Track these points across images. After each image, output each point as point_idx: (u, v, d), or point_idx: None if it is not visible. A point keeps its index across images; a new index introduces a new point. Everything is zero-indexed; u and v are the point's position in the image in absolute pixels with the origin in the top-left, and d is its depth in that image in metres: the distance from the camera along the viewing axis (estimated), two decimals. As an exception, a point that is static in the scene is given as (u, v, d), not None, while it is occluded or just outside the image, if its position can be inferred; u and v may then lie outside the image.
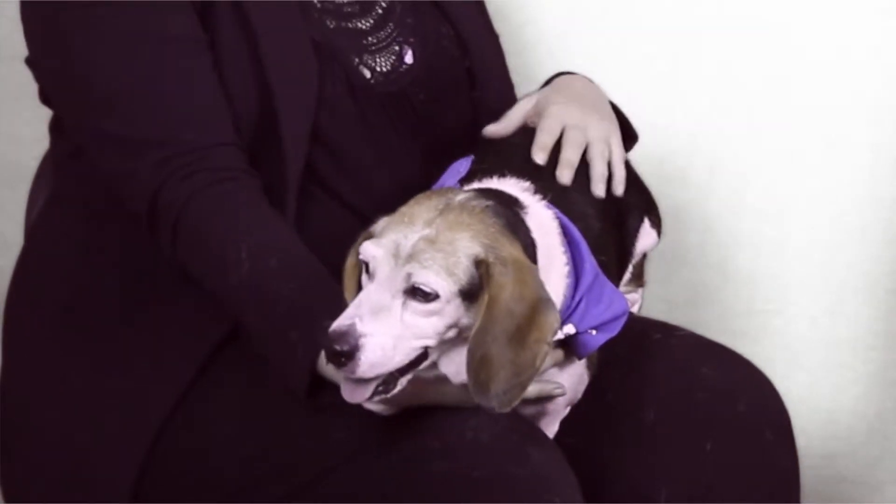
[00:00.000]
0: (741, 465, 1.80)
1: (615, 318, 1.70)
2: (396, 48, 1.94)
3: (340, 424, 1.71)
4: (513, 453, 1.65)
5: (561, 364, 1.71)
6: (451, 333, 1.60)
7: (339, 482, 1.70)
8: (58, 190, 1.97)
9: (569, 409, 1.78)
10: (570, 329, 1.67)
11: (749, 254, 2.79)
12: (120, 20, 1.78)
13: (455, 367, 1.63)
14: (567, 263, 1.69)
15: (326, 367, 1.68)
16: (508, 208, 1.66)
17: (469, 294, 1.58)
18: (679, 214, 2.68)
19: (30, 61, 1.91)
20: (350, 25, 1.92)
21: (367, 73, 1.91)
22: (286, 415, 1.75)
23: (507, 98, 2.08)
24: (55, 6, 1.79)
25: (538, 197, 1.73)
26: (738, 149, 2.76)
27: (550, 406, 1.75)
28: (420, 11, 1.97)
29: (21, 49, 1.89)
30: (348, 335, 1.54)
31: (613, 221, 1.87)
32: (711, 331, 1.98)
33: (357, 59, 1.90)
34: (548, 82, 2.01)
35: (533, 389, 1.67)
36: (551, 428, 1.77)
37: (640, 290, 2.01)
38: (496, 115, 2.01)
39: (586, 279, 1.68)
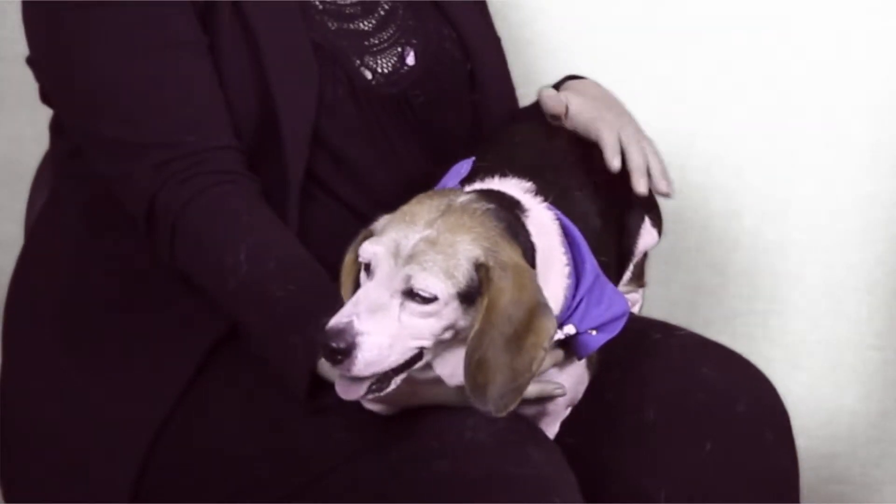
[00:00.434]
0: (741, 465, 1.80)
1: (615, 319, 1.70)
2: (398, 50, 1.94)
3: (340, 425, 1.71)
4: (512, 453, 1.65)
5: (561, 364, 1.71)
6: (448, 335, 1.60)
7: (339, 482, 1.70)
8: (58, 190, 1.97)
9: (569, 409, 1.78)
10: (570, 329, 1.67)
11: (749, 254, 2.79)
12: (120, 22, 1.78)
13: (450, 368, 1.63)
14: (567, 264, 1.69)
15: (326, 369, 1.67)
16: (509, 211, 1.66)
17: (467, 297, 1.58)
18: (679, 214, 2.68)
19: (31, 61, 1.91)
20: (352, 27, 1.92)
21: (369, 75, 1.91)
22: (286, 415, 1.75)
23: (508, 100, 2.08)
24: (56, 7, 1.79)
25: (539, 198, 1.73)
26: (738, 149, 2.76)
27: (550, 406, 1.75)
28: (422, 13, 1.97)
29: (21, 49, 1.89)
30: (345, 333, 1.54)
31: (614, 220, 1.87)
32: (711, 331, 1.98)
33: (358, 61, 1.90)
34: (556, 87, 2.01)
35: (533, 390, 1.67)
36: (551, 428, 1.77)
37: (640, 290, 2.01)
38: (497, 117, 2.01)
39: (587, 280, 1.68)
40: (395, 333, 1.56)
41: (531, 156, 1.85)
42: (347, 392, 1.59)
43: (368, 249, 1.58)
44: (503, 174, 1.76)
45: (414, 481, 1.65)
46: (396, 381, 1.59)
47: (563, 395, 1.71)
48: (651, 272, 2.03)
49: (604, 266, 1.73)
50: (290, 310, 1.70)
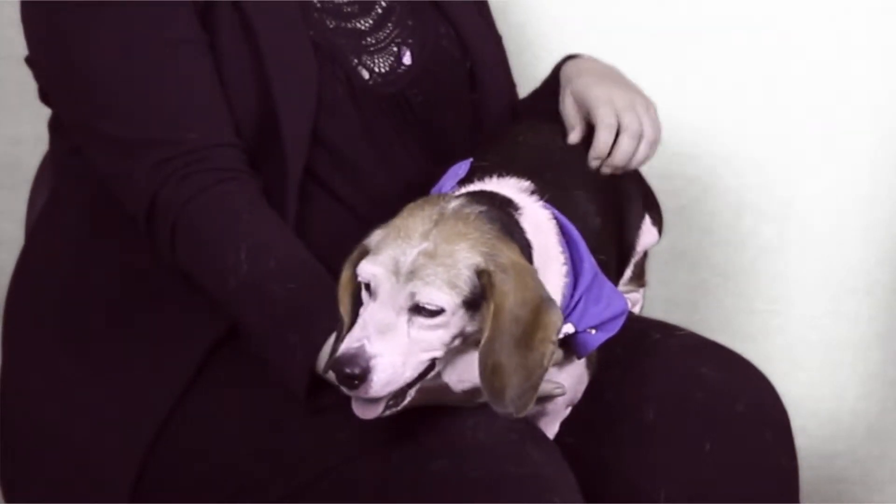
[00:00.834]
0: (740, 465, 1.80)
1: (614, 318, 1.70)
2: (394, 49, 1.94)
3: (340, 424, 1.71)
4: (512, 453, 1.65)
5: (560, 364, 1.71)
6: (457, 342, 1.60)
7: (339, 482, 1.70)
8: (58, 189, 1.97)
9: (569, 409, 1.78)
10: (569, 328, 1.67)
11: (749, 254, 2.79)
12: (120, 21, 1.78)
13: (457, 374, 1.64)
14: (565, 263, 1.69)
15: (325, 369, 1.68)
16: (502, 211, 1.65)
17: (472, 303, 1.58)
18: (679, 214, 2.68)
19: (30, 60, 1.91)
20: (349, 25, 1.92)
21: (366, 74, 1.91)
22: (286, 414, 1.75)
23: (509, 99, 2.08)
24: (55, 6, 1.79)
25: (535, 197, 1.73)
26: (739, 149, 2.76)
27: (550, 406, 1.75)
28: (420, 12, 1.97)
29: (21, 49, 1.89)
30: (358, 357, 1.55)
31: (614, 219, 1.87)
32: (711, 331, 1.98)
33: (356, 60, 1.90)
34: (556, 70, 2.01)
35: (533, 390, 1.68)
36: (551, 428, 1.77)
37: (640, 289, 2.01)
38: (497, 116, 2.01)
39: (585, 278, 1.68)
40: (406, 350, 1.57)
41: (532, 155, 1.85)
42: (365, 412, 1.59)
43: (367, 270, 1.58)
44: (501, 174, 1.76)
45: (414, 481, 1.65)
46: (411, 394, 1.60)
47: (562, 394, 1.71)
48: (651, 272, 2.03)
49: (603, 265, 1.73)
50: (290, 309, 1.70)
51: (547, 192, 1.74)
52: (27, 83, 1.94)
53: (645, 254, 1.98)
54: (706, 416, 1.80)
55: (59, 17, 1.80)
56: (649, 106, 1.93)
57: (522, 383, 1.58)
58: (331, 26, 1.90)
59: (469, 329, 1.60)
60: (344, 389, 1.57)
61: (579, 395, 1.76)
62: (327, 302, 1.69)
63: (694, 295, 2.81)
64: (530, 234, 1.66)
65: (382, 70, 1.92)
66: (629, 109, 1.89)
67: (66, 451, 1.85)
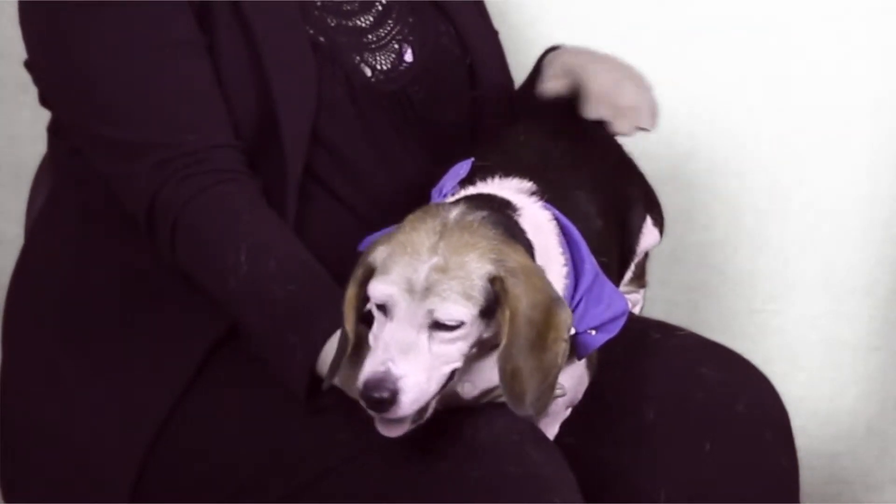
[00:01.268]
0: (741, 465, 1.80)
1: (615, 318, 1.70)
2: (396, 46, 1.94)
3: (340, 424, 1.71)
4: (512, 453, 1.65)
5: (560, 365, 1.71)
6: (474, 350, 1.61)
7: (339, 482, 1.70)
8: (57, 190, 1.97)
9: (569, 410, 1.78)
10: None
11: (749, 254, 2.80)
12: (118, 22, 1.78)
13: (469, 381, 1.64)
14: (566, 264, 1.69)
15: (325, 368, 1.68)
16: (502, 213, 1.66)
17: (487, 311, 1.59)
18: (679, 214, 2.68)
19: (29, 64, 1.91)
20: (350, 23, 1.92)
21: (368, 72, 1.91)
22: (286, 414, 1.75)
23: (508, 97, 2.08)
24: (54, 7, 1.79)
25: (535, 198, 1.73)
26: (739, 149, 2.76)
27: (550, 407, 1.75)
28: (419, 9, 1.97)
29: (21, 49, 1.89)
30: (386, 381, 1.55)
31: (616, 220, 1.87)
32: (711, 331, 1.98)
33: (358, 58, 1.90)
34: (540, 60, 2.01)
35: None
36: (551, 429, 1.77)
37: (641, 290, 2.01)
38: (496, 115, 2.01)
39: (586, 279, 1.68)
40: (430, 366, 1.57)
41: (534, 155, 1.85)
42: (391, 431, 1.59)
43: (381, 290, 1.58)
44: (503, 175, 1.76)
45: (414, 481, 1.65)
46: (432, 406, 1.60)
47: (562, 395, 1.71)
48: (651, 272, 2.03)
49: (605, 266, 1.73)
50: (290, 310, 1.70)
51: (548, 192, 1.74)
52: (27, 83, 1.94)
53: (646, 255, 1.98)
54: (706, 416, 1.80)
55: (57, 19, 1.80)
56: (642, 82, 1.94)
57: (540, 384, 1.58)
58: (332, 24, 1.90)
59: (485, 335, 1.61)
60: (372, 413, 1.57)
61: (580, 395, 1.76)
62: (327, 302, 1.69)
63: (694, 295, 2.81)
64: (531, 235, 1.67)
65: (384, 67, 1.92)
66: (629, 79, 1.92)
67: (66, 451, 1.85)
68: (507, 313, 1.57)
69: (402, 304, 1.57)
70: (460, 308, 1.56)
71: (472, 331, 1.58)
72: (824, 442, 2.80)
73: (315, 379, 1.69)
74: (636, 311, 1.98)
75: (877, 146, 2.74)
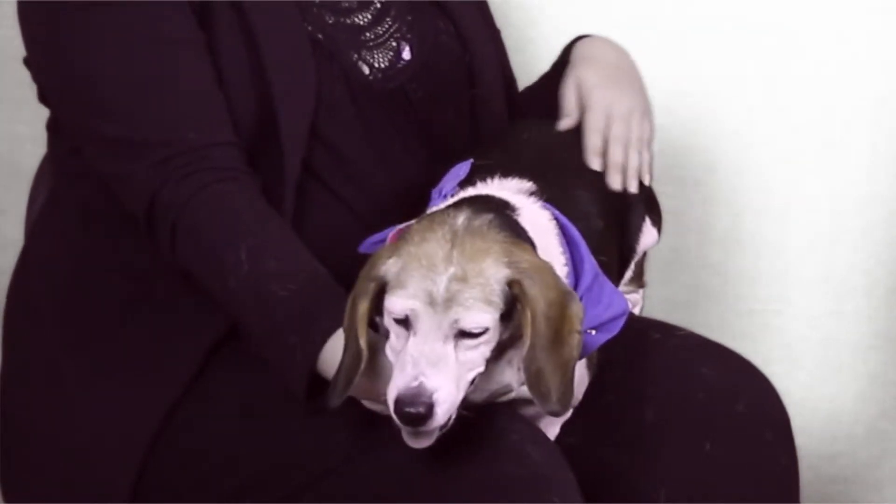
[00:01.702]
0: (741, 465, 1.80)
1: (615, 318, 1.70)
2: (394, 44, 1.94)
3: (340, 425, 1.71)
4: (512, 453, 1.65)
5: (560, 365, 1.71)
6: (493, 353, 1.61)
7: (339, 482, 1.70)
8: (57, 189, 1.97)
9: (570, 412, 1.78)
10: (569, 329, 1.67)
11: (749, 254, 2.79)
12: (117, 21, 1.78)
13: (479, 385, 1.64)
14: (566, 264, 1.69)
15: (325, 368, 1.68)
16: (502, 213, 1.66)
17: (506, 314, 1.59)
18: (679, 214, 2.68)
19: (28, 61, 1.91)
20: (348, 21, 1.92)
21: (366, 70, 1.91)
22: (286, 415, 1.75)
23: (508, 95, 2.08)
24: (53, 7, 1.79)
25: (534, 198, 1.73)
26: (738, 149, 2.76)
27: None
28: (418, 8, 1.97)
29: (21, 49, 1.89)
30: (420, 395, 1.55)
31: (615, 220, 1.87)
32: (711, 331, 1.98)
33: (356, 55, 1.90)
34: (569, 47, 2.01)
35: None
36: (552, 429, 1.77)
37: (640, 290, 2.01)
38: (496, 114, 2.01)
39: (585, 279, 1.68)
40: (457, 375, 1.57)
41: (534, 155, 1.85)
42: (420, 442, 1.59)
43: (402, 305, 1.57)
44: (503, 174, 1.76)
45: (413, 481, 1.65)
46: (455, 412, 1.60)
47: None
48: (651, 272, 2.03)
49: (604, 266, 1.73)
50: (290, 310, 1.70)
51: (548, 192, 1.74)
52: (27, 83, 1.94)
53: (645, 254, 1.98)
54: (706, 416, 1.80)
55: (56, 17, 1.80)
56: (646, 113, 1.94)
57: (562, 380, 1.59)
58: (330, 22, 1.90)
59: (503, 337, 1.61)
60: (406, 428, 1.57)
61: (580, 396, 1.76)
62: (327, 302, 1.69)
63: (694, 295, 2.81)
64: (531, 235, 1.67)
65: (382, 65, 1.92)
66: (623, 120, 1.90)
67: (66, 452, 1.85)
68: (529, 315, 1.58)
69: (425, 318, 1.56)
70: (484, 315, 1.57)
71: (494, 335, 1.59)
72: (824, 442, 2.80)
73: (315, 379, 1.69)
74: (636, 311, 1.98)
75: (877, 146, 2.74)
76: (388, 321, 1.60)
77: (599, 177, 1.88)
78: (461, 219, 1.61)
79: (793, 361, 2.79)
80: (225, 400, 1.79)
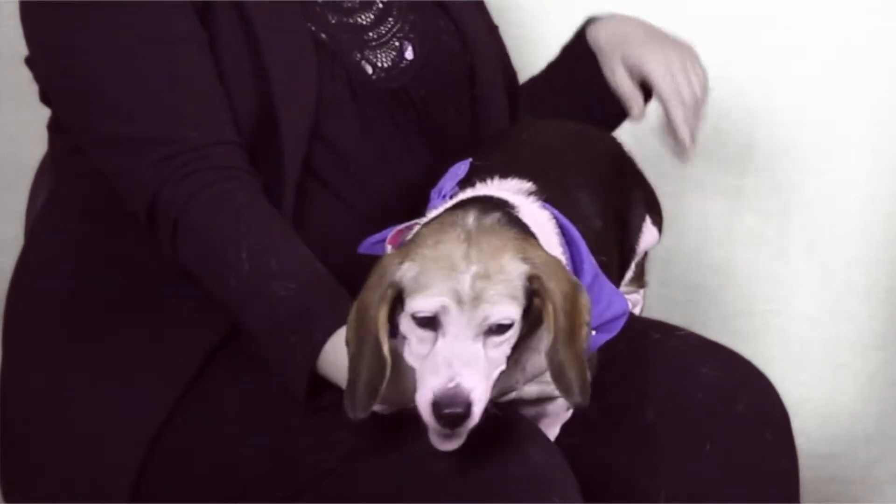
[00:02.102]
0: (741, 466, 1.80)
1: (615, 319, 1.70)
2: (396, 44, 1.94)
3: (341, 424, 1.71)
4: (512, 453, 1.65)
5: (561, 365, 1.71)
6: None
7: (339, 482, 1.70)
8: (57, 189, 1.97)
9: (570, 412, 1.78)
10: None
11: (749, 254, 2.79)
12: (119, 20, 1.78)
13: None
14: (566, 264, 1.69)
15: (326, 369, 1.68)
16: (507, 212, 1.66)
17: (526, 310, 1.60)
18: (679, 214, 2.68)
19: (29, 61, 1.91)
20: (351, 21, 1.92)
21: (369, 69, 1.91)
22: (286, 415, 1.75)
23: (510, 93, 2.07)
24: (54, 6, 1.79)
25: (533, 198, 1.73)
26: (738, 148, 2.76)
27: (550, 407, 1.75)
28: (420, 7, 1.97)
29: (21, 49, 1.89)
30: (459, 396, 1.54)
31: (616, 220, 1.87)
32: (711, 331, 1.98)
33: (359, 55, 1.90)
34: (581, 34, 2.02)
35: (533, 390, 1.68)
36: (552, 430, 1.77)
37: (641, 290, 2.00)
38: (496, 113, 2.01)
39: (585, 279, 1.68)
40: (487, 374, 1.57)
41: (534, 155, 1.85)
42: (450, 444, 1.58)
43: (432, 304, 1.56)
44: (502, 175, 1.76)
45: (414, 481, 1.65)
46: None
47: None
48: (651, 272, 2.03)
49: (604, 266, 1.73)
50: (291, 309, 1.70)
51: (548, 192, 1.74)
52: (27, 83, 1.94)
53: (645, 254, 1.98)
54: (706, 416, 1.80)
55: (58, 17, 1.80)
56: (696, 56, 1.98)
57: (579, 372, 1.59)
58: (332, 21, 1.90)
59: (521, 333, 1.61)
60: (441, 430, 1.56)
61: (580, 396, 1.76)
62: (328, 302, 1.69)
63: (694, 295, 2.81)
64: (534, 231, 1.67)
65: (385, 65, 1.92)
66: (683, 72, 1.93)
67: (66, 451, 1.84)
68: (550, 309, 1.58)
69: (455, 316, 1.56)
70: (511, 308, 1.57)
71: (516, 332, 1.59)
72: (824, 442, 2.80)
73: (315, 379, 1.69)
74: (636, 311, 1.98)
75: (877, 146, 2.74)
76: (406, 326, 1.59)
77: (599, 177, 1.88)
78: (471, 219, 1.61)
79: (793, 361, 2.79)
80: (225, 400, 1.79)
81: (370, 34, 1.92)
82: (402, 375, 1.60)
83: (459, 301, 1.56)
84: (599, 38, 2.00)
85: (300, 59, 1.84)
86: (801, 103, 2.74)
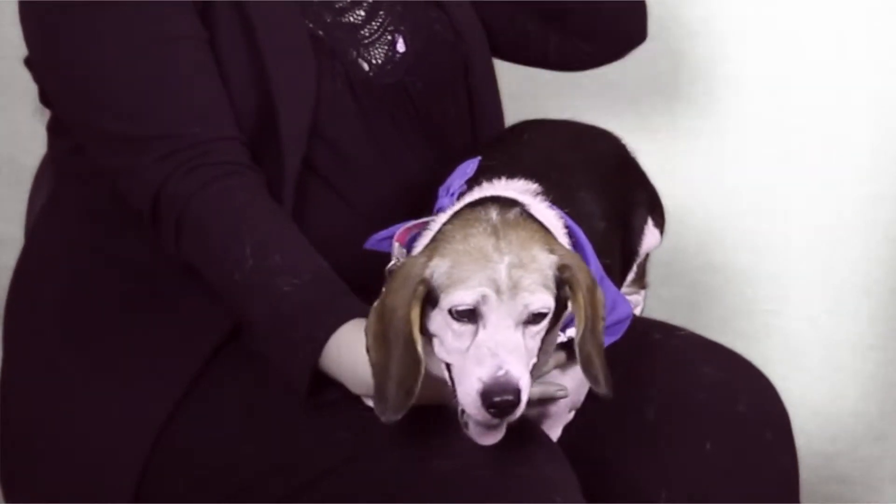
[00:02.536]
0: (741, 465, 1.80)
1: (618, 322, 1.71)
2: (388, 38, 1.94)
3: (341, 424, 1.71)
4: (514, 453, 1.65)
5: (563, 366, 1.71)
6: None
7: (340, 482, 1.70)
8: (57, 189, 1.97)
9: (573, 413, 1.78)
10: (572, 332, 1.67)
11: (749, 254, 2.80)
12: (120, 18, 1.78)
13: None
14: (578, 263, 1.69)
15: (328, 367, 1.68)
16: (523, 209, 1.67)
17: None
18: (679, 214, 2.68)
19: (28, 62, 1.91)
20: (343, 20, 1.92)
21: (366, 66, 1.91)
22: (287, 414, 1.75)
23: (496, 87, 2.07)
24: (55, 6, 1.79)
25: (541, 198, 1.73)
26: (738, 149, 2.77)
27: (552, 408, 1.75)
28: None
29: (21, 49, 1.89)
30: (509, 383, 1.54)
31: (618, 221, 1.87)
32: (711, 331, 1.98)
33: (355, 52, 1.90)
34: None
35: (535, 391, 1.67)
36: (554, 431, 1.77)
37: (642, 291, 2.00)
38: (491, 105, 2.01)
39: (591, 282, 1.68)
40: (527, 362, 1.58)
41: (537, 156, 1.85)
42: (492, 437, 1.59)
43: (472, 295, 1.56)
44: (511, 175, 1.76)
45: (415, 481, 1.65)
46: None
47: (565, 396, 1.71)
48: (651, 273, 2.03)
49: (607, 268, 1.73)
50: (295, 305, 1.70)
51: (552, 193, 1.74)
52: (27, 83, 1.94)
53: (647, 256, 1.98)
54: (706, 416, 1.80)
55: (58, 16, 1.80)
56: None
57: (602, 363, 1.61)
58: (328, 20, 1.90)
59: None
60: (490, 420, 1.56)
61: (582, 397, 1.76)
62: (332, 299, 1.69)
63: (694, 295, 2.81)
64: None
65: (379, 61, 1.92)
66: None
67: (67, 452, 1.84)
68: (581, 299, 1.59)
69: (494, 307, 1.56)
70: (547, 297, 1.58)
71: (548, 322, 1.60)
72: (824, 442, 2.80)
73: (317, 376, 1.69)
74: (637, 312, 1.98)
75: (877, 146, 2.74)
76: (439, 323, 1.59)
77: (602, 177, 1.88)
78: (494, 214, 1.62)
79: (793, 361, 2.79)
80: (226, 400, 1.79)
81: (363, 31, 1.92)
82: (429, 374, 1.60)
83: (498, 291, 1.56)
84: None
85: (299, 57, 1.84)
86: (802, 103, 2.74)
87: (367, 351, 1.61)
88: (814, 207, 2.77)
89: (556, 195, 1.73)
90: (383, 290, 1.63)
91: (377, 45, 1.92)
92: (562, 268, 1.59)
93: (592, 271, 1.64)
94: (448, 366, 1.60)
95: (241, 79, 1.82)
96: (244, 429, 1.77)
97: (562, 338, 1.67)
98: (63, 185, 1.95)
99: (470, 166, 1.77)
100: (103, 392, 1.83)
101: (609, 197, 1.85)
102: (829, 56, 2.72)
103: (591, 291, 1.61)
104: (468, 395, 1.55)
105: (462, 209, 1.67)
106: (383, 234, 1.74)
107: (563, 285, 1.60)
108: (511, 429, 1.66)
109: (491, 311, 1.56)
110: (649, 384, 1.83)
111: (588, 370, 1.60)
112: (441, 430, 1.66)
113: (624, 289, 1.91)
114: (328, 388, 1.69)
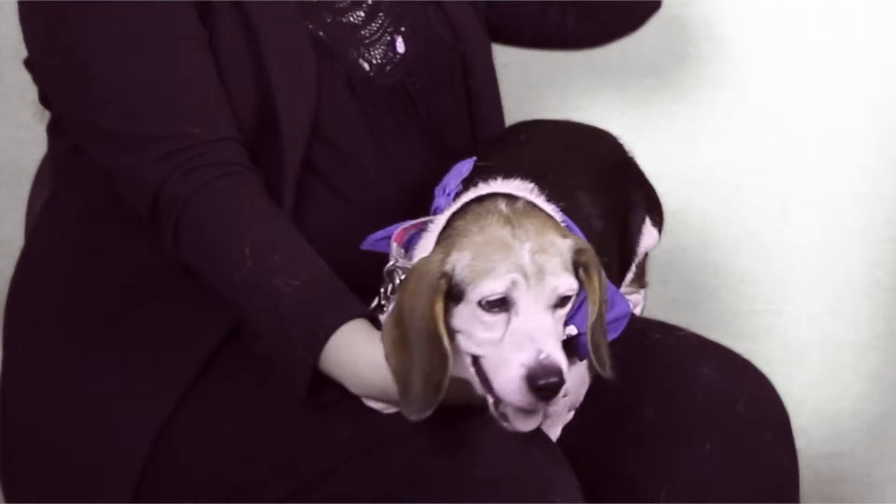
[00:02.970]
0: (741, 465, 1.80)
1: (617, 320, 1.71)
2: (388, 38, 1.94)
3: (342, 423, 1.71)
4: (514, 453, 1.65)
5: (562, 365, 1.71)
6: None
7: (341, 481, 1.70)
8: (57, 190, 1.97)
9: (572, 413, 1.78)
10: (572, 330, 1.67)
11: (749, 254, 2.79)
12: (120, 18, 1.78)
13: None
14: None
15: (328, 366, 1.68)
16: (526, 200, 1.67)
17: None
18: (679, 214, 2.68)
19: (28, 63, 1.91)
20: (344, 20, 1.92)
21: (367, 67, 1.91)
22: (287, 414, 1.75)
23: (496, 87, 2.07)
24: (55, 6, 1.79)
25: (536, 193, 1.73)
26: (738, 149, 2.76)
27: (552, 408, 1.75)
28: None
29: (21, 49, 1.89)
30: (553, 365, 1.55)
31: (616, 220, 1.87)
32: (711, 331, 1.98)
33: (355, 53, 1.90)
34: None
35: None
36: (554, 431, 1.77)
37: (642, 291, 2.01)
38: (490, 104, 2.01)
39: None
40: (560, 346, 1.58)
41: (535, 156, 1.85)
42: (531, 422, 1.59)
43: (502, 283, 1.57)
44: (507, 175, 1.76)
45: (416, 481, 1.65)
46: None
47: (565, 395, 1.71)
48: (651, 272, 2.03)
49: (605, 267, 1.73)
50: (294, 305, 1.70)
51: (549, 193, 1.74)
52: (27, 83, 1.94)
53: (646, 255, 1.98)
54: (706, 416, 1.80)
55: (58, 16, 1.80)
56: None
57: (607, 345, 1.63)
58: (328, 21, 1.90)
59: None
60: (536, 405, 1.56)
61: (581, 397, 1.76)
62: (331, 299, 1.69)
63: (694, 295, 2.81)
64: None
65: (379, 61, 1.92)
66: None
67: (67, 452, 1.84)
68: (596, 281, 1.61)
69: (524, 292, 1.57)
70: (571, 279, 1.59)
71: (571, 305, 1.61)
72: (824, 442, 2.80)
73: (317, 376, 1.69)
74: (637, 311, 1.98)
75: (877, 146, 2.74)
76: (466, 316, 1.59)
77: (599, 177, 1.88)
78: (503, 205, 1.63)
79: (793, 361, 2.79)
80: (226, 400, 1.79)
81: (363, 32, 1.92)
82: (459, 368, 1.61)
83: (526, 276, 1.57)
84: None
85: (299, 57, 1.84)
86: (801, 103, 2.73)
87: (386, 359, 1.60)
88: (814, 207, 2.76)
89: (553, 195, 1.74)
90: (394, 296, 1.63)
91: (376, 46, 1.92)
92: (578, 251, 1.60)
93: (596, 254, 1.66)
94: (475, 361, 1.60)
95: (241, 79, 1.82)
96: (244, 429, 1.77)
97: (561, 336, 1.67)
98: (63, 185, 1.95)
99: (465, 166, 1.78)
100: (103, 392, 1.83)
101: (607, 197, 1.86)
102: (829, 56, 2.72)
103: (601, 276, 1.63)
104: (511, 383, 1.55)
105: (468, 204, 1.67)
106: (380, 234, 1.74)
107: (576, 269, 1.61)
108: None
109: (521, 297, 1.57)
110: (649, 384, 1.83)
111: (597, 353, 1.62)
112: (441, 430, 1.66)
113: (624, 288, 1.91)
114: (328, 388, 1.69)
